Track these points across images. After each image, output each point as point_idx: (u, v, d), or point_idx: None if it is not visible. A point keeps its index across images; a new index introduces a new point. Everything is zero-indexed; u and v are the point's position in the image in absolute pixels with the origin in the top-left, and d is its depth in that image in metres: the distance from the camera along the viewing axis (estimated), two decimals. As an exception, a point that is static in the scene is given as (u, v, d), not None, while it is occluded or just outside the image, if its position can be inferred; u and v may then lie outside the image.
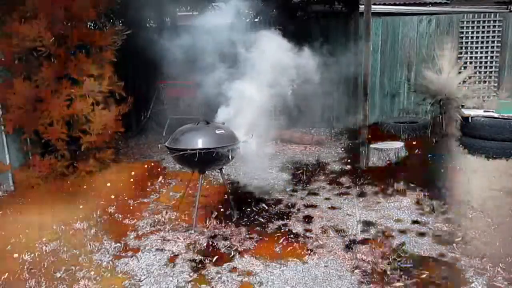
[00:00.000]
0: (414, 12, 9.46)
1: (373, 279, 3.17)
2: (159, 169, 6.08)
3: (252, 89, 4.60)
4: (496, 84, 8.24)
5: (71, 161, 5.51)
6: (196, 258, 3.57)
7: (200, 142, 3.97)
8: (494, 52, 8.17)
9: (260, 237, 3.90)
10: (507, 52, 8.17)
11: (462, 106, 6.67)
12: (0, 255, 3.66)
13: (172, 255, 3.64)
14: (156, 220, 4.35)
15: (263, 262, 3.48)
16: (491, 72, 8.23)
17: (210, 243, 3.81)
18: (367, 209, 4.53)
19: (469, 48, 8.23)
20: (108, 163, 5.91)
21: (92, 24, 6.51)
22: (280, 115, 6.72)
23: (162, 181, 5.62)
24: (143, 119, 8.84)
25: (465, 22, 8.19)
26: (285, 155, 6.88)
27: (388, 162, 5.84)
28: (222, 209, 4.55)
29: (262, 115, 4.71)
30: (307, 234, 3.96)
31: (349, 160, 6.26)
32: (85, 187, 5.23)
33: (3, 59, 5.05)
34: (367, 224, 4.15)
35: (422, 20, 8.36)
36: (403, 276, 3.19)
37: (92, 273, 3.38)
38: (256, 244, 3.78)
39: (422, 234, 3.89)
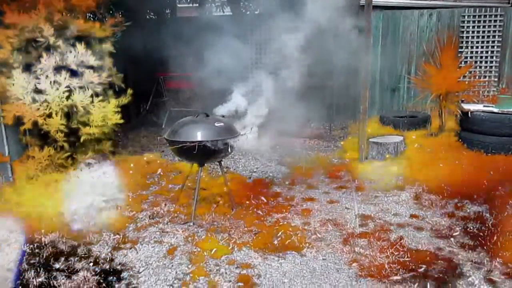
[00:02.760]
0: (415, 6, 9.41)
1: (371, 273, 3.19)
2: (158, 161, 6.09)
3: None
4: (496, 79, 8.23)
5: (70, 152, 5.51)
6: (195, 250, 3.59)
7: (199, 135, 3.97)
8: (495, 47, 8.16)
9: (259, 230, 3.91)
10: (508, 46, 8.16)
11: (462, 101, 6.67)
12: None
13: (170, 247, 3.65)
14: (155, 212, 4.36)
15: (262, 255, 3.49)
16: (491, 66, 8.22)
17: (209, 235, 3.82)
18: (366, 203, 4.54)
19: (469, 42, 8.22)
20: (107, 155, 5.91)
21: (91, 15, 6.48)
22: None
23: (161, 173, 5.63)
24: (143, 111, 8.84)
25: (466, 17, 8.16)
26: (284, 148, 6.88)
27: (387, 156, 5.84)
28: (221, 202, 4.56)
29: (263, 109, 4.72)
30: (306, 227, 3.98)
31: (348, 154, 6.26)
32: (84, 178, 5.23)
33: (2, 50, 5.02)
34: (366, 217, 4.17)
35: (423, 14, 8.33)
36: (400, 269, 3.21)
37: (91, 264, 3.39)
38: (254, 237, 3.79)
39: (420, 228, 3.91)
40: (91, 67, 5.41)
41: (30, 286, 3.12)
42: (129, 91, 5.90)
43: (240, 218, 4.17)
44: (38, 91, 5.19)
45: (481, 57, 8.22)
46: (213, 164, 5.77)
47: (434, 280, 3.09)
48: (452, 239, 3.68)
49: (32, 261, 3.42)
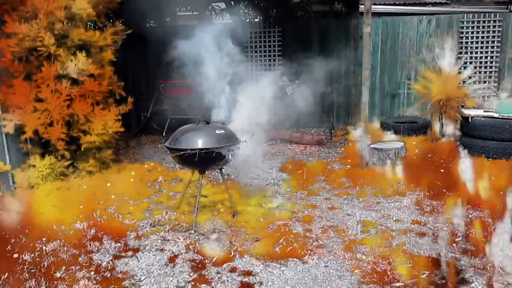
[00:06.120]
0: (414, 12, 9.48)
1: (373, 279, 3.17)
2: (159, 169, 6.09)
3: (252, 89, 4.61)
4: (496, 84, 8.25)
5: (71, 161, 5.52)
6: (196, 258, 3.58)
7: (200, 142, 3.97)
8: (494, 52, 8.19)
9: (260, 237, 3.90)
10: (507, 52, 8.18)
11: (462, 106, 6.68)
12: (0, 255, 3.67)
13: (172, 255, 3.64)
14: (156, 220, 4.35)
15: (263, 262, 3.48)
16: (491, 72, 8.24)
17: (210, 243, 3.81)
18: (367, 209, 4.53)
19: (469, 48, 8.25)
20: (108, 163, 5.92)
21: (92, 24, 6.52)
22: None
23: (162, 181, 5.62)
24: (143, 119, 8.85)
25: (465, 22, 8.20)
26: (285, 155, 6.89)
27: (388, 162, 5.84)
28: (222, 209, 4.55)
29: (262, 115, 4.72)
30: (307, 234, 3.96)
31: (349, 160, 6.26)
32: (85, 187, 5.23)
33: (3, 59, 5.05)
34: (367, 224, 4.15)
35: (422, 20, 8.37)
36: (403, 276, 3.19)
37: (92, 273, 3.38)
38: (256, 244, 3.77)
39: (422, 234, 3.90)
40: (91, 76, 5.44)
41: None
42: (130, 99, 5.92)
43: (241, 225, 4.16)
44: (39, 99, 5.21)
45: (481, 62, 8.24)
46: (214, 171, 5.77)
47: (436, 287, 3.07)
48: (454, 244, 3.67)
49: (33, 270, 3.41)
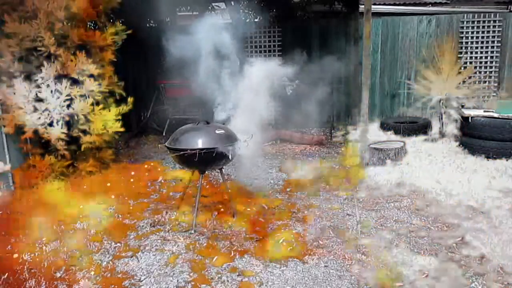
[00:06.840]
0: (414, 12, 9.47)
1: (373, 279, 3.17)
2: (159, 169, 6.09)
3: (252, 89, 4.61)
4: (496, 84, 8.25)
5: (71, 161, 5.52)
6: (196, 258, 3.58)
7: (200, 142, 3.97)
8: (494, 52, 8.18)
9: (260, 237, 3.90)
10: (507, 52, 8.18)
11: (462, 106, 6.68)
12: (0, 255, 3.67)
13: (172, 255, 3.64)
14: (156, 220, 4.35)
15: (263, 262, 3.48)
16: (491, 72, 8.24)
17: (210, 243, 3.81)
18: (367, 209, 4.53)
19: (469, 48, 8.24)
20: (108, 163, 5.92)
21: (92, 24, 6.52)
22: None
23: (162, 181, 5.62)
24: (143, 119, 8.85)
25: (465, 22, 8.20)
26: (285, 155, 6.88)
27: (388, 162, 5.83)
28: (222, 209, 4.55)
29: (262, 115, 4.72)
30: (307, 234, 3.96)
31: (349, 160, 6.26)
32: (85, 187, 5.23)
33: (3, 59, 5.05)
34: (367, 224, 4.15)
35: (422, 20, 8.37)
36: (402, 276, 3.19)
37: (92, 273, 3.38)
38: (256, 244, 3.78)
39: (422, 234, 3.89)
40: (91, 76, 5.44)
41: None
42: (130, 99, 5.92)
43: (241, 226, 4.16)
44: (39, 100, 5.21)
45: (481, 62, 8.24)
46: (214, 171, 5.77)
47: (436, 287, 3.07)
48: (454, 245, 3.67)
49: (33, 270, 3.41)
